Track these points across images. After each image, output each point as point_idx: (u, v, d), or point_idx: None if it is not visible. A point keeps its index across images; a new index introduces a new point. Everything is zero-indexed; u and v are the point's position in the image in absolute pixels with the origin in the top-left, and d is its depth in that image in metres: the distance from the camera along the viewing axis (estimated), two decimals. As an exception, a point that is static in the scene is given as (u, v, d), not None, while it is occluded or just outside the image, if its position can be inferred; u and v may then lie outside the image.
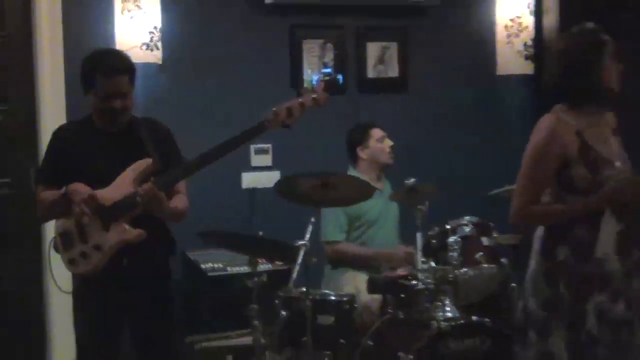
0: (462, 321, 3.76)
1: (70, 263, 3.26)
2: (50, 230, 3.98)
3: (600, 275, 2.96)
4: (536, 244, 3.12)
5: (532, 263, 3.11)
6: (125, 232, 3.19)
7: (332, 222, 4.58)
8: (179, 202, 3.34)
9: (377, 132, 4.70)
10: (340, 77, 5.33)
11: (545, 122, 3.05)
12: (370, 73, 5.55)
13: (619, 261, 2.98)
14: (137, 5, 4.78)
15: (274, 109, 3.28)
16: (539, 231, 3.12)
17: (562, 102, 3.07)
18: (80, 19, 4.75)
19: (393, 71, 5.61)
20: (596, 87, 3.02)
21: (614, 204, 2.95)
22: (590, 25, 3.09)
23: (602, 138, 3.05)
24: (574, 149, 2.98)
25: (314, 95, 3.35)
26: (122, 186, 3.19)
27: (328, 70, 5.31)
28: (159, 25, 4.85)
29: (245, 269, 4.04)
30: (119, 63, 3.28)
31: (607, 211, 2.96)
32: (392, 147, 4.69)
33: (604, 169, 2.97)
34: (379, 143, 4.68)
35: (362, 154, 4.70)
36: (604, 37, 3.03)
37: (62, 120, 4.43)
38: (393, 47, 5.58)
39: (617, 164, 3.02)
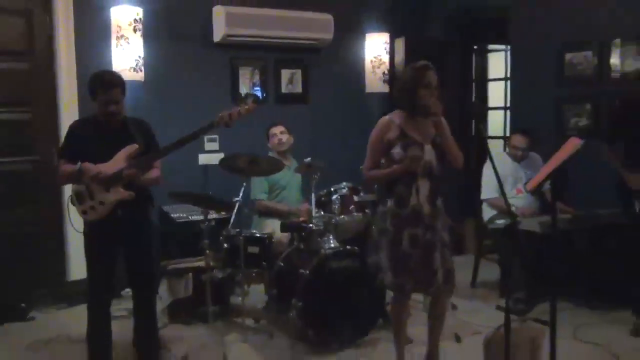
0: (340, 249, 3.81)
1: (83, 213, 3.26)
2: (66, 192, 3.93)
3: (415, 216, 3.04)
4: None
5: (378, 209, 3.21)
6: (120, 192, 3.19)
7: (258, 186, 4.60)
8: (152, 174, 3.32)
9: (271, 130, 4.72)
10: (263, 93, 5.42)
11: (380, 121, 3.16)
12: (284, 90, 5.56)
13: (429, 207, 3.06)
14: (127, 41, 4.70)
15: (220, 114, 3.31)
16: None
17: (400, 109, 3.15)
18: (88, 49, 4.67)
19: (298, 89, 5.62)
20: (414, 103, 3.04)
21: (407, 170, 3.02)
22: (418, 63, 3.09)
23: (420, 131, 3.09)
24: (395, 136, 3.07)
25: (247, 106, 3.38)
26: (118, 162, 3.18)
27: (257, 89, 5.38)
28: (142, 54, 4.77)
29: (200, 217, 4.01)
30: (115, 79, 3.25)
31: (419, 175, 3.03)
32: (280, 140, 4.66)
33: (412, 149, 3.03)
34: (272, 138, 4.70)
35: (268, 144, 4.74)
36: (422, 72, 3.03)
37: (75, 117, 4.36)
38: (298, 73, 5.60)
39: (427, 146, 3.05)
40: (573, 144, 2.93)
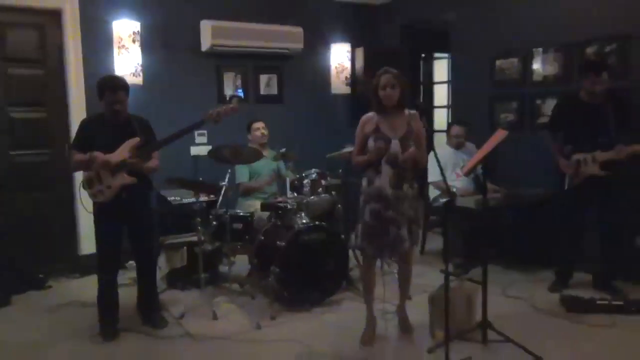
0: (310, 224, 3.80)
1: (93, 195, 3.26)
2: (77, 178, 3.90)
3: (378, 194, 3.05)
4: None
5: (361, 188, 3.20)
6: (124, 178, 3.21)
7: (242, 173, 4.58)
8: (151, 163, 3.34)
9: (253, 125, 4.67)
10: (243, 94, 5.39)
11: (363, 117, 3.15)
12: (262, 92, 5.53)
13: (392, 189, 3.03)
14: (127, 50, 4.68)
15: (210, 112, 3.33)
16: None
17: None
18: (93, 57, 4.62)
19: (274, 91, 5.60)
20: (378, 102, 3.07)
21: (375, 158, 3.03)
22: (382, 69, 3.09)
23: (391, 126, 3.07)
24: (370, 130, 3.08)
25: (232, 105, 3.40)
26: (122, 152, 3.19)
27: (239, 91, 5.37)
28: (140, 61, 4.75)
29: (192, 199, 4.02)
30: (119, 82, 3.27)
31: (383, 162, 3.03)
32: (263, 133, 4.62)
33: (379, 142, 3.03)
34: (254, 132, 4.66)
35: (249, 137, 4.70)
36: (378, 77, 3.04)
37: (83, 115, 4.31)
38: (274, 77, 5.58)
39: (395, 140, 3.03)
40: (499, 135, 3.02)
